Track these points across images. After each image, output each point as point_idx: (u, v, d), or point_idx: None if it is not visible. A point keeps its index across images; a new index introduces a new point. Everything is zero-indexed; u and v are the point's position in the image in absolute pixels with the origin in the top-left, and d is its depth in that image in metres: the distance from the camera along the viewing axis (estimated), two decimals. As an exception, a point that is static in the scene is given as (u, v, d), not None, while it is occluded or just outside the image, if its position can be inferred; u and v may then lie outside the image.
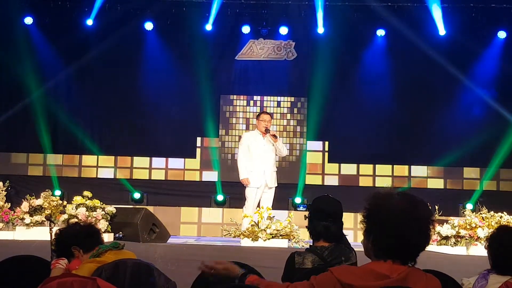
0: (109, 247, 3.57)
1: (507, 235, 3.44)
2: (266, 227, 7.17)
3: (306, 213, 3.81)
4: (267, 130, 8.04)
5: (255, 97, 11.10)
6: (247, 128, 10.69)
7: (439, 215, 7.18)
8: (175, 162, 11.01)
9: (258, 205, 8.08)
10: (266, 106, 11.06)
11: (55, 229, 4.57)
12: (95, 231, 3.86)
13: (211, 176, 10.88)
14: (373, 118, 10.94)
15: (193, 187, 10.91)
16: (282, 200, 10.34)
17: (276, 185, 8.27)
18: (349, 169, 10.97)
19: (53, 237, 4.66)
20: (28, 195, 7.61)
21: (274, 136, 8.06)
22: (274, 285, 2.50)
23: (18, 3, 10.44)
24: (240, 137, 9.12)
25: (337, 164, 10.99)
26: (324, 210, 3.66)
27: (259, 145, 8.11)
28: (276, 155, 8.28)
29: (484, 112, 10.66)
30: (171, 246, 7.30)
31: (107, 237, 7.51)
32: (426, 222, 2.30)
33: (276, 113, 11.06)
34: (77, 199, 7.53)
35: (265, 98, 11.10)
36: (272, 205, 7.97)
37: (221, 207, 10.58)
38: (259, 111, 10.80)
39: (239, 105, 11.07)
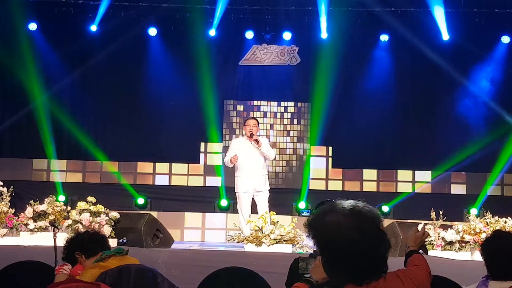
0: (112, 252, 3.58)
1: (500, 240, 3.42)
2: (270, 233, 7.17)
3: (310, 218, 3.80)
4: (251, 135, 8.17)
5: (258, 102, 11.11)
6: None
7: (443, 220, 7.16)
8: (179, 168, 11.02)
9: (256, 210, 8.20)
10: (270, 111, 11.07)
11: (59, 234, 4.58)
12: (99, 237, 3.88)
13: (214, 181, 10.88)
14: (377, 123, 10.92)
15: (196, 192, 10.91)
16: (286, 205, 10.36)
17: (267, 188, 8.36)
18: (353, 174, 10.96)
19: (57, 243, 4.68)
20: (32, 200, 7.63)
21: (257, 141, 8.19)
22: None
23: (22, 9, 10.47)
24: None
25: (341, 169, 10.98)
26: (327, 215, 3.65)
27: (246, 150, 8.28)
28: (266, 159, 8.42)
29: (488, 117, 10.64)
30: (175, 252, 7.29)
31: (111, 243, 7.51)
32: (379, 234, 2.18)
33: (280, 118, 11.07)
34: (81, 204, 7.54)
35: (268, 103, 11.11)
36: (268, 208, 8.04)
37: (225, 212, 10.58)
38: (262, 116, 10.84)
39: (243, 110, 11.08)
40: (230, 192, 10.53)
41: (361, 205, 2.21)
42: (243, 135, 8.56)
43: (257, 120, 8.60)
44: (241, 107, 11.11)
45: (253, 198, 8.32)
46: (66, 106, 10.87)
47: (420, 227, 7.05)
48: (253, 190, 8.26)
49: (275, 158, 10.08)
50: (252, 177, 8.24)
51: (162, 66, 11.01)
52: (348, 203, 2.22)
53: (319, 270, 2.48)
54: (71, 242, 3.89)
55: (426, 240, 7.01)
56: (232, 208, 10.49)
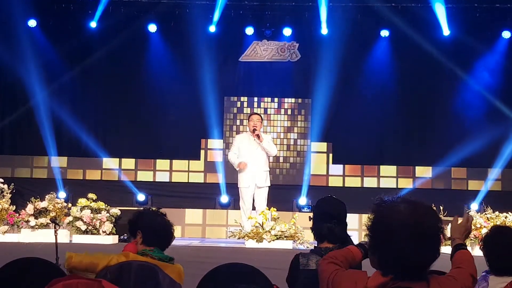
0: (161, 256, 3.53)
1: (501, 236, 3.42)
2: (271, 229, 7.19)
3: (311, 214, 3.80)
4: (254, 130, 8.21)
5: (259, 99, 11.10)
6: (251, 130, 10.71)
7: (444, 216, 7.16)
8: (179, 164, 11.01)
9: (254, 207, 8.25)
10: (270, 108, 11.06)
11: (60, 231, 4.57)
12: (162, 234, 3.66)
13: (215, 178, 10.87)
14: (377, 119, 10.92)
15: (197, 189, 10.91)
16: (286, 201, 10.36)
17: (268, 184, 8.40)
18: (353, 170, 10.96)
19: (58, 240, 4.66)
20: (33, 197, 7.63)
21: (258, 136, 8.22)
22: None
23: (22, 6, 10.44)
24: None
25: (341, 165, 10.98)
26: (328, 211, 3.65)
27: (249, 146, 8.33)
28: (268, 155, 8.45)
29: (489, 112, 10.64)
30: (176, 248, 7.28)
31: (112, 239, 7.53)
32: (431, 237, 2.18)
33: (280, 114, 11.06)
34: (82, 201, 7.55)
35: (269, 99, 11.10)
36: (266, 205, 8.07)
37: (226, 208, 10.58)
38: (263, 112, 10.83)
39: (243, 107, 11.07)
40: (231, 188, 10.55)
41: (429, 213, 2.25)
42: (246, 131, 8.58)
43: (260, 116, 8.63)
44: (241, 104, 11.09)
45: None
46: (66, 102, 10.85)
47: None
48: (254, 185, 8.28)
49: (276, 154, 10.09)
50: (254, 172, 8.26)
51: (162, 62, 11.00)
52: (420, 207, 2.25)
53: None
54: (137, 219, 3.68)
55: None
56: (233, 204, 10.49)
